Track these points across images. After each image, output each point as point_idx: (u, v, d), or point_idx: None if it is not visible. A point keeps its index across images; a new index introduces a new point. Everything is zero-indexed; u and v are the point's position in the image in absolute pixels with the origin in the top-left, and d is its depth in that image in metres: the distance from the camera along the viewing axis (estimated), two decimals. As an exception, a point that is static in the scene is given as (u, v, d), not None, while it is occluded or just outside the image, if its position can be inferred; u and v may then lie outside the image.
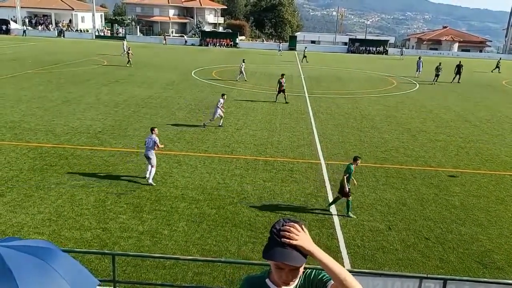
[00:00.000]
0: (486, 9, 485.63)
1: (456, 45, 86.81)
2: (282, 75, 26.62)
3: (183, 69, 39.31)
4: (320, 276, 2.39)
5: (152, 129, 13.15)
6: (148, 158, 13.00)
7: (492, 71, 49.00)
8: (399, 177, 14.49)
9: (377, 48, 72.99)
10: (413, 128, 21.25)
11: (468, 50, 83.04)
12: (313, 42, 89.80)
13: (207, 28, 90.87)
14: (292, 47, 72.68)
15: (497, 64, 49.86)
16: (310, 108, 24.67)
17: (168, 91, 27.76)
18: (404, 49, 71.13)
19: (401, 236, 10.46)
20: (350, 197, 11.39)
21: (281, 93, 25.67)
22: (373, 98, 28.99)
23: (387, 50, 72.94)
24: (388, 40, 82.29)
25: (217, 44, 72.43)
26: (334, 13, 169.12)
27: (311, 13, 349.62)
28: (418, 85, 36.09)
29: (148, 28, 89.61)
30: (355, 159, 11.46)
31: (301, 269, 2.33)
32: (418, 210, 11.97)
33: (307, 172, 14.53)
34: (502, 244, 10.29)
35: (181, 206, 11.42)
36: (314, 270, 2.44)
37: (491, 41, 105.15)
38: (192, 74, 36.47)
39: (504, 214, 12.05)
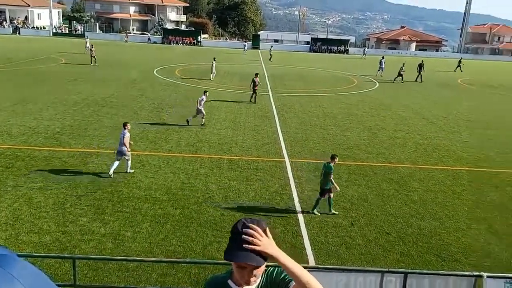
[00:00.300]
0: (442, 10, 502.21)
1: (413, 44, 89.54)
2: (256, 74, 26.68)
3: (145, 67, 38.68)
4: (282, 276, 2.39)
5: (124, 124, 13.17)
6: (121, 154, 12.88)
7: (461, 71, 50.65)
8: (360, 173, 14.79)
9: (338, 48, 74.35)
10: (373, 125, 21.74)
11: (425, 50, 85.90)
12: (276, 41, 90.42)
13: (169, 26, 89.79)
14: (255, 46, 72.89)
15: (459, 63, 51.86)
16: (274, 107, 24.81)
17: (129, 90, 27.24)
18: (365, 48, 72.67)
19: (363, 231, 10.68)
20: (325, 197, 11.50)
21: (254, 93, 25.67)
22: (335, 97, 29.47)
23: (348, 50, 74.43)
24: (349, 40, 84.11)
25: (180, 42, 71.75)
26: (296, 12, 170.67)
27: (274, 12, 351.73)
28: (378, 84, 36.95)
29: (108, 25, 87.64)
30: (333, 157, 11.53)
31: (263, 267, 2.32)
32: (379, 206, 12.26)
33: (271, 170, 14.61)
34: (459, 238, 10.68)
35: (144, 207, 11.24)
36: (276, 268, 2.44)
37: (447, 41, 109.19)
38: (154, 72, 35.94)
39: (460, 208, 12.52)
